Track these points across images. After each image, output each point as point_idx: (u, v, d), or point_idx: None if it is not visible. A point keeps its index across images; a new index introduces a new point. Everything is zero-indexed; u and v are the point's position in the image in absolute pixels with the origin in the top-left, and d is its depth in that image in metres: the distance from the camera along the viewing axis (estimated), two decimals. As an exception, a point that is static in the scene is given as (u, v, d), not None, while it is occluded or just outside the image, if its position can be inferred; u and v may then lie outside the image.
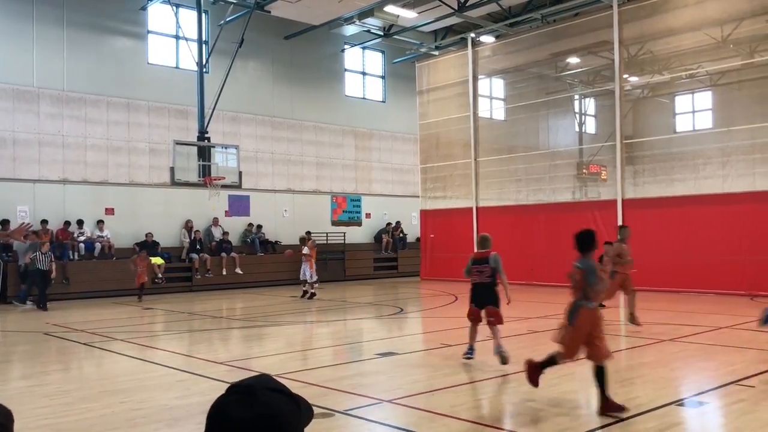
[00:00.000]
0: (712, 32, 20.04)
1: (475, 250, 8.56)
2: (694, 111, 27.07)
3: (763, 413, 5.70)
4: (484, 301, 8.01)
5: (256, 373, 1.50)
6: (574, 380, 7.18)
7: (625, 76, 21.40)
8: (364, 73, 26.16)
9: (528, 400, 6.30)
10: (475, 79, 22.74)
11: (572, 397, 6.54)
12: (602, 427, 5.50)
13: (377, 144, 26.31)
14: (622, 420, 5.53)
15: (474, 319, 8.13)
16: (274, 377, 1.45)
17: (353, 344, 10.76)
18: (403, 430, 5.50)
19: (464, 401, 6.39)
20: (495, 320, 7.91)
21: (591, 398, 6.72)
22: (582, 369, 7.91)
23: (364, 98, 26.09)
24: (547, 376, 7.30)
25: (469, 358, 8.02)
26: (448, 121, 23.32)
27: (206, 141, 19.06)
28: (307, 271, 17.13)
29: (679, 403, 6.14)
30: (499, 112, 25.33)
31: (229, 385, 1.42)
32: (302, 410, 1.43)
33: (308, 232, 22.48)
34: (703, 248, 16.95)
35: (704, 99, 26.72)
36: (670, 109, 28.13)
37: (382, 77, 26.72)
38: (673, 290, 16.67)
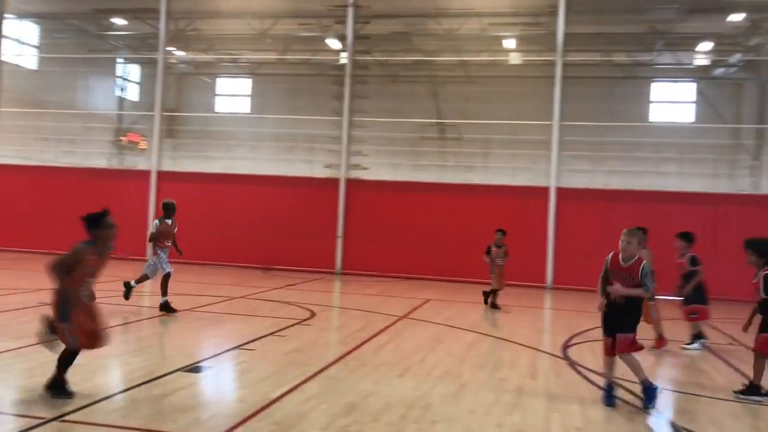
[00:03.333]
0: (253, 23, 21.48)
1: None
2: (233, 95, 28.59)
3: (259, 372, 6.28)
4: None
5: None
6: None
7: (170, 48, 21.35)
8: None
9: (31, 377, 5.67)
10: (0, 17, 19.71)
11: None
12: (87, 405, 5.26)
13: None
14: (128, 390, 5.39)
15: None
16: None
17: None
18: None
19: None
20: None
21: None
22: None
23: None
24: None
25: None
26: (-40, 58, 19.70)
27: None
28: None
29: (189, 368, 6.31)
30: (29, 60, 22.49)
31: None
32: None
33: None
34: (229, 224, 18.07)
35: (244, 85, 28.46)
36: (212, 89, 29.15)
37: None
38: (203, 263, 17.25)
